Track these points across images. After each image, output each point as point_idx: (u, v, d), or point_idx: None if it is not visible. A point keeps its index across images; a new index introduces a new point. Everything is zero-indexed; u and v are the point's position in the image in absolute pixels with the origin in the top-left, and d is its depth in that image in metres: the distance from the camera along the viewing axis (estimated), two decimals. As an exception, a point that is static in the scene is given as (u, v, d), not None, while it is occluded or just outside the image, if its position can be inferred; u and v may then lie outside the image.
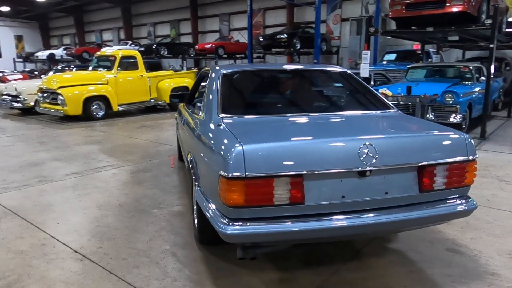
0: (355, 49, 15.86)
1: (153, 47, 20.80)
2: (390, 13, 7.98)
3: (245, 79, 3.41)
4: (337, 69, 3.55)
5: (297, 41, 15.64)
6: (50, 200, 3.88)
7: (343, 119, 2.79)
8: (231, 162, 1.95)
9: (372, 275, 2.55)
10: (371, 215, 2.12)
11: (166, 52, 21.02)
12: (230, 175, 1.94)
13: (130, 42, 24.29)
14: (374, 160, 2.07)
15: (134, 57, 10.65)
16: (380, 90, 6.78)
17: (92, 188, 4.24)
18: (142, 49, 21.15)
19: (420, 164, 2.17)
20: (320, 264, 2.67)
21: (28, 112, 10.50)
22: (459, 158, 2.24)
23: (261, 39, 16.75)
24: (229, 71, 3.20)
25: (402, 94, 6.74)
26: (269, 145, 2.06)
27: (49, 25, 33.88)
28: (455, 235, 3.08)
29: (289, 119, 2.73)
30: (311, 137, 2.31)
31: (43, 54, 26.14)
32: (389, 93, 6.69)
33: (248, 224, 2.01)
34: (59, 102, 9.08)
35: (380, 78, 9.81)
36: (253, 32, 20.68)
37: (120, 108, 10.06)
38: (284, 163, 2.00)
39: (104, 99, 9.70)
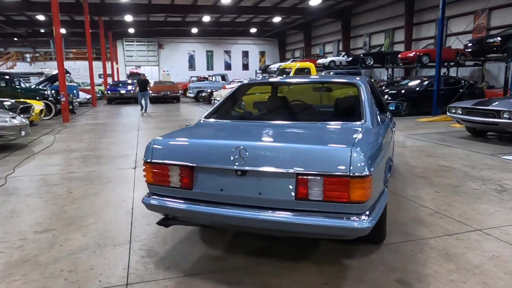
0: None
1: (360, 57, 21.34)
2: None
3: (247, 90, 3.93)
4: (350, 80, 3.57)
5: (512, 45, 13.03)
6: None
7: (288, 128, 3.03)
8: (145, 150, 2.72)
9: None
10: (242, 210, 2.44)
11: (372, 62, 21.22)
12: (143, 159, 2.71)
13: (343, 53, 25.55)
14: (244, 162, 2.39)
15: (308, 69, 11.75)
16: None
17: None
18: (349, 59, 22.06)
19: (297, 172, 2.31)
20: (262, 256, 3.03)
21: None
22: (337, 173, 2.24)
23: (469, 44, 14.77)
24: (247, 83, 3.82)
25: None
26: (170, 140, 2.71)
27: (285, 41, 39.12)
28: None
29: (248, 124, 3.18)
30: (213, 138, 2.77)
31: (274, 66, 30.89)
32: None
33: (157, 198, 2.72)
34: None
35: None
36: (474, 36, 18.34)
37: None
38: (178, 155, 2.61)
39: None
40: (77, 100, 17.46)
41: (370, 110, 3.10)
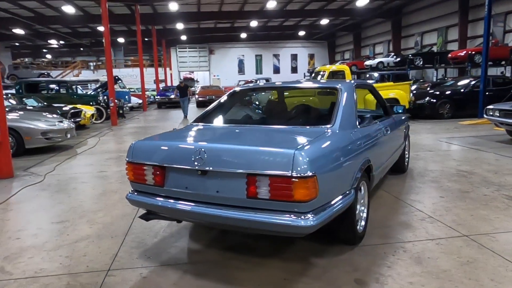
0: None
1: (408, 57, 20.59)
2: None
3: (238, 96, 4.13)
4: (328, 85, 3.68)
5: None
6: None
7: (256, 131, 3.27)
8: (127, 151, 3.04)
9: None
10: (203, 206, 2.67)
11: (421, 63, 20.39)
12: (126, 159, 3.04)
13: (392, 54, 24.77)
14: (203, 163, 2.63)
15: (343, 72, 11.66)
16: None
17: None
18: (397, 60, 21.37)
19: (247, 172, 2.50)
20: (237, 251, 3.24)
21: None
22: (279, 173, 2.39)
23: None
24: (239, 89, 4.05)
25: None
26: (147, 142, 3.00)
27: (335, 43, 38.65)
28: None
29: (224, 128, 3.42)
30: (180, 141, 3.01)
31: (322, 68, 30.76)
32: None
33: (137, 194, 3.03)
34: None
35: None
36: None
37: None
38: (153, 156, 2.90)
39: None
40: (128, 105, 18.67)
41: (342, 114, 3.18)
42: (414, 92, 13.85)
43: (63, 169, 6.63)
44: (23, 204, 4.71)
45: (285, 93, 4.37)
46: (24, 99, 12.37)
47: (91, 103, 14.21)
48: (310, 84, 4.16)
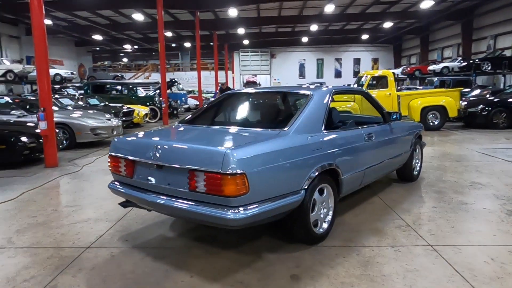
0: None
1: (474, 62, 19.24)
2: None
3: (222, 100, 4.42)
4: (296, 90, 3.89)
5: None
6: None
7: (215, 131, 3.59)
8: (110, 145, 3.50)
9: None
10: (158, 196, 3.02)
11: (489, 68, 18.94)
12: (108, 153, 3.50)
13: (459, 58, 23.24)
14: (158, 158, 2.98)
15: (385, 77, 11.35)
16: None
17: None
18: (462, 65, 20.06)
19: (189, 168, 2.81)
20: (203, 241, 3.58)
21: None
22: (213, 170, 2.66)
23: None
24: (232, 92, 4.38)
25: None
26: (124, 138, 3.42)
27: (401, 46, 37.07)
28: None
29: (194, 128, 3.76)
30: (146, 138, 3.36)
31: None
32: None
33: (115, 184, 3.48)
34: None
35: None
36: None
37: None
38: (126, 150, 3.32)
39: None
40: (184, 106, 19.80)
41: (302, 118, 3.33)
42: (471, 99, 13.02)
43: (101, 162, 7.42)
44: (52, 190, 5.45)
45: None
46: (87, 98, 13.80)
47: (147, 104, 15.37)
48: (285, 90, 4.32)
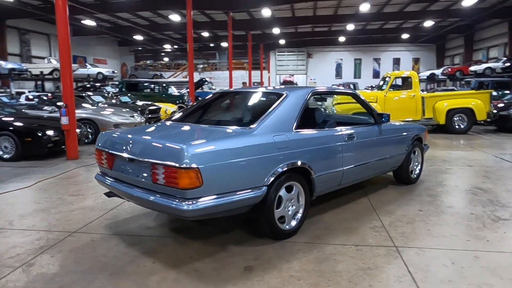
0: None
1: (518, 64, 18.20)
2: None
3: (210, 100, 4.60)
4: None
5: None
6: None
7: (187, 128, 3.80)
8: (96, 139, 3.81)
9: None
10: (129, 187, 3.28)
11: (533, 69, 17.86)
12: (95, 146, 3.81)
13: (504, 58, 21.97)
14: (130, 152, 3.23)
15: (410, 78, 11.07)
16: None
17: None
18: (505, 65, 19.02)
19: (151, 161, 3.03)
20: (179, 232, 3.79)
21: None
22: (170, 163, 2.86)
23: None
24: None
25: None
26: (108, 133, 3.71)
27: (444, 46, 35.56)
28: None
29: (174, 125, 3.99)
30: (124, 134, 3.59)
31: (424, 74, 28.78)
32: None
33: (99, 175, 3.78)
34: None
35: None
36: None
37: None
38: (107, 144, 3.60)
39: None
40: (215, 104, 20.23)
41: (271, 118, 3.45)
42: (506, 101, 12.37)
43: (118, 156, 7.87)
44: (64, 180, 5.91)
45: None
46: (120, 96, 14.52)
47: (176, 102, 15.92)
48: (264, 90, 4.41)
